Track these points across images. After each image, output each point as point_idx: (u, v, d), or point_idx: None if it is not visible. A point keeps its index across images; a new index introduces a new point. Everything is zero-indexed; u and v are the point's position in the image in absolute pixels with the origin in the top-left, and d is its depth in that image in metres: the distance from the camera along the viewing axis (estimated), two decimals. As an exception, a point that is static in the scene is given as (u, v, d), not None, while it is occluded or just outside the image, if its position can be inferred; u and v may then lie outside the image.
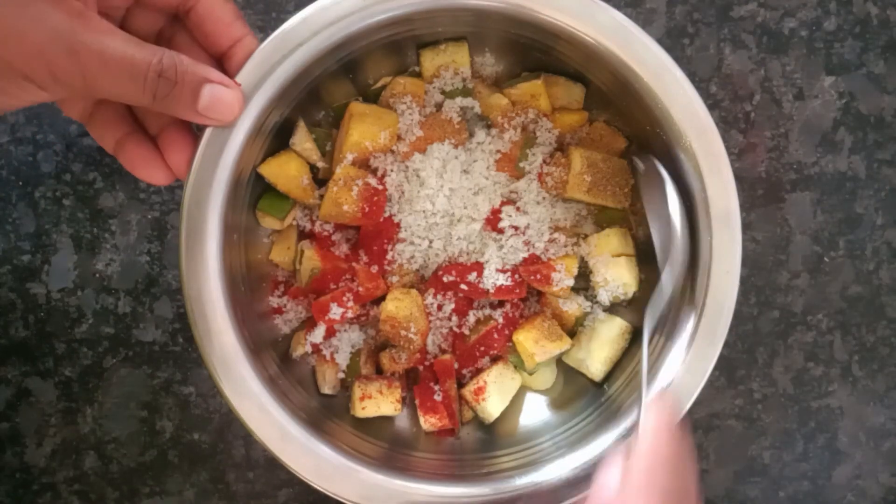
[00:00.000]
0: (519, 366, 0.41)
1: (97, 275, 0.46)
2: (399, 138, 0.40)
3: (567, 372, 0.42)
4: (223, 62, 0.36)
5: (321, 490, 0.35)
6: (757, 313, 0.47)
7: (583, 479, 0.36)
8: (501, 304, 0.42)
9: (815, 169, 0.47)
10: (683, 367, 0.36)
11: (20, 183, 0.46)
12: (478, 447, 0.41)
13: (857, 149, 0.47)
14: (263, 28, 0.46)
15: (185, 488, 0.46)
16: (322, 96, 0.41)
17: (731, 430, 0.47)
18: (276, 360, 0.40)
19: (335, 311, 0.40)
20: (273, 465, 0.46)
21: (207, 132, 0.35)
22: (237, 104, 0.34)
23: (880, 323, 0.47)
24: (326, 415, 0.40)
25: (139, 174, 0.36)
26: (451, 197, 0.40)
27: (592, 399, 0.40)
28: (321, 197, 0.41)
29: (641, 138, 0.40)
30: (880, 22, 0.47)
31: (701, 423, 0.47)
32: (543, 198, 0.41)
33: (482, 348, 0.41)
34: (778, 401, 0.47)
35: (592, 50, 0.36)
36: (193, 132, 0.36)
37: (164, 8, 0.35)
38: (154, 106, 0.32)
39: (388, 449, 0.39)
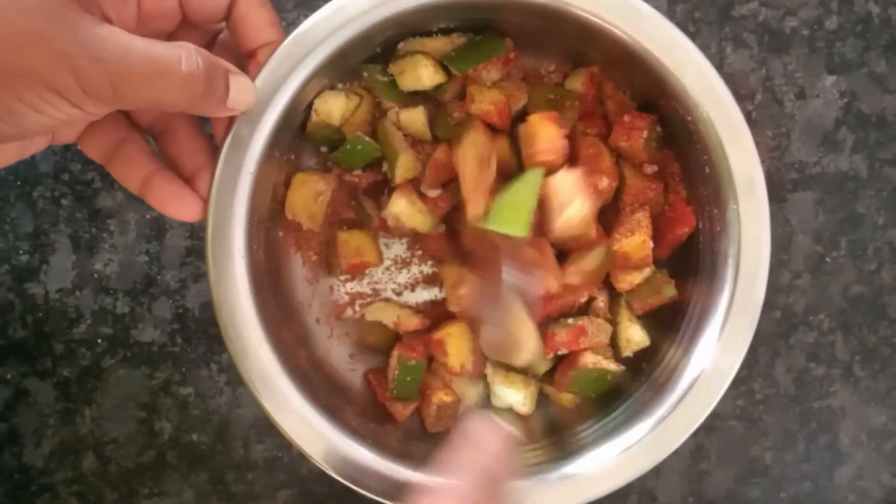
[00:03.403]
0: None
1: (95, 275, 0.46)
2: None
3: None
4: (248, 64, 0.36)
5: (378, 500, 0.35)
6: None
7: (625, 465, 0.36)
8: None
9: (816, 169, 0.47)
10: (720, 341, 0.36)
11: (18, 182, 0.46)
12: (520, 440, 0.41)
13: (859, 148, 0.47)
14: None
15: (183, 489, 0.46)
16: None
17: (732, 430, 0.47)
18: (307, 359, 0.40)
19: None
20: (272, 466, 0.46)
21: (225, 149, 0.35)
22: (254, 90, 0.34)
23: (882, 323, 0.47)
24: (372, 419, 0.40)
25: (170, 212, 0.35)
26: None
27: (624, 389, 0.40)
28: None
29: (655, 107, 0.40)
30: (882, 21, 0.47)
31: (702, 423, 0.46)
32: None
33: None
34: (779, 401, 0.47)
35: (598, 30, 0.36)
36: None
37: (210, 23, 0.35)
38: (186, 104, 0.31)
39: (425, 447, 0.39)
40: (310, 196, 0.40)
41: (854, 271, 0.47)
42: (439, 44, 0.39)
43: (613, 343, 0.41)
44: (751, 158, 0.36)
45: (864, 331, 0.47)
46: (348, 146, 0.39)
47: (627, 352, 0.41)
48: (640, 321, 0.41)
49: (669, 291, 0.40)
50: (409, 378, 0.40)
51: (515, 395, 0.40)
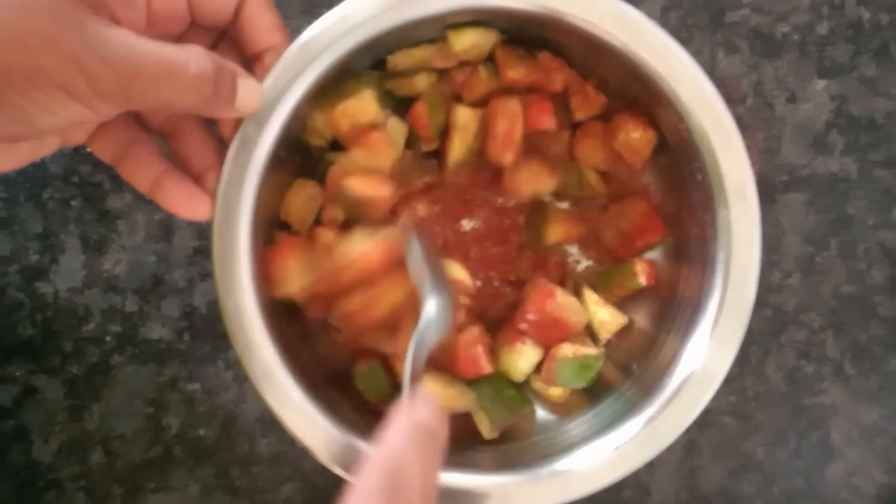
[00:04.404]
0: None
1: (104, 274, 0.47)
2: None
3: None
4: (254, 67, 0.37)
5: None
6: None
7: (616, 462, 0.37)
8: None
9: (807, 171, 0.47)
10: (711, 342, 0.37)
11: (28, 184, 0.47)
12: (504, 437, 0.41)
13: (849, 150, 0.47)
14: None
15: (189, 484, 0.47)
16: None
17: (725, 426, 0.48)
18: (309, 355, 0.40)
19: None
20: (276, 460, 0.47)
21: (232, 148, 0.36)
22: (261, 92, 0.35)
23: (872, 322, 0.48)
24: (371, 414, 0.40)
25: (181, 212, 0.36)
26: None
27: (615, 388, 0.41)
28: None
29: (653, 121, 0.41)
30: (872, 26, 0.47)
31: (695, 419, 0.47)
32: None
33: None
34: (771, 398, 0.48)
35: (595, 40, 0.37)
36: None
37: (218, 25, 0.36)
38: (196, 105, 0.31)
39: None
40: (303, 200, 0.40)
41: (844, 271, 0.48)
42: (426, 52, 0.39)
43: (592, 335, 0.42)
44: (742, 165, 0.36)
45: (855, 329, 0.48)
46: (321, 161, 0.40)
47: (605, 334, 0.41)
48: (613, 305, 0.42)
49: (633, 284, 0.41)
50: (370, 382, 0.40)
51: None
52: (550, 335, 0.40)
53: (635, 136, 0.40)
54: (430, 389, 0.37)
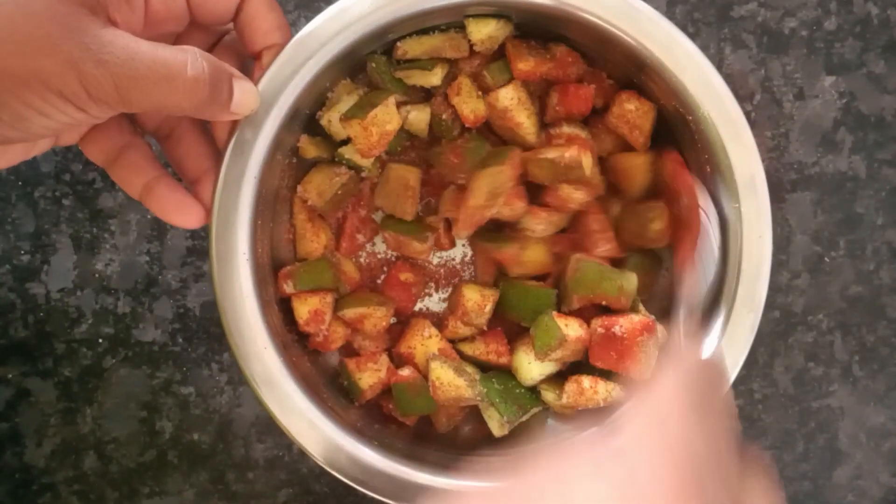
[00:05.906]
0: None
1: (97, 275, 0.46)
2: None
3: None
4: (252, 66, 0.36)
5: (381, 500, 0.36)
6: (757, 313, 0.47)
7: None
8: None
9: (815, 169, 0.47)
10: (725, 337, 0.36)
11: (19, 183, 0.46)
12: (513, 441, 0.41)
13: (858, 149, 0.47)
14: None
15: (184, 488, 0.46)
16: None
17: (731, 430, 0.47)
18: (312, 361, 0.40)
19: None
20: (273, 465, 0.46)
21: (228, 152, 0.35)
22: (257, 94, 0.34)
23: (880, 323, 0.47)
24: (377, 420, 0.40)
25: (172, 219, 0.35)
26: None
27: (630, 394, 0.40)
28: None
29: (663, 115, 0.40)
30: (881, 22, 0.47)
31: (701, 423, 0.46)
32: None
33: None
34: (778, 401, 0.47)
35: (601, 31, 0.36)
36: None
37: (218, 24, 0.35)
38: (191, 108, 0.31)
39: (431, 447, 0.39)
40: (326, 178, 0.40)
41: (853, 271, 0.47)
42: (437, 41, 0.39)
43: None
44: (751, 156, 0.36)
45: (863, 331, 0.47)
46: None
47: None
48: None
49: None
50: (412, 399, 0.40)
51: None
52: (612, 359, 0.38)
53: (630, 108, 0.39)
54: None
